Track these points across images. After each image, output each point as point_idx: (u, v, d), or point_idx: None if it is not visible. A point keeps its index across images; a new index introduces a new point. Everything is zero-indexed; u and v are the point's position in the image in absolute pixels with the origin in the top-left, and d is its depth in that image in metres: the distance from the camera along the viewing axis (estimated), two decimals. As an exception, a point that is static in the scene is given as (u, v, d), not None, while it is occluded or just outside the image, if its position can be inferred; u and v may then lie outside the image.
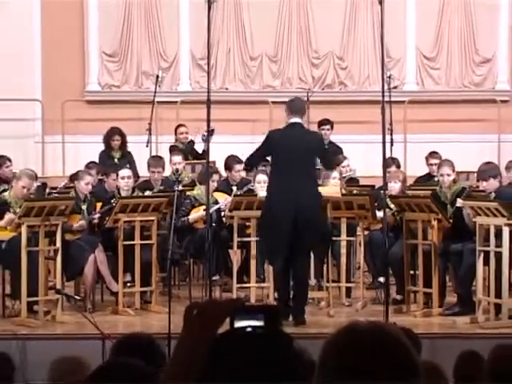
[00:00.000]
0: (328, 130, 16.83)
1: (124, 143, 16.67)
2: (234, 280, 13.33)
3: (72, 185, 14.61)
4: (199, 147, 16.27)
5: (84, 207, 13.30)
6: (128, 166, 15.21)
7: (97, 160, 16.10)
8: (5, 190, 13.26)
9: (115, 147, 16.66)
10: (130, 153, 16.61)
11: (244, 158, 13.64)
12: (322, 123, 16.89)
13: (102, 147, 16.61)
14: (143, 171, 14.79)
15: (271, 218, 12.00)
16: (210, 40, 12.48)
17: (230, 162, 15.12)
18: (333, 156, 12.82)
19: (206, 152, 14.02)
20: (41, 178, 15.46)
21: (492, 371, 6.27)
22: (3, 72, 18.39)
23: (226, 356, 2.64)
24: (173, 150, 16.13)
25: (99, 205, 13.48)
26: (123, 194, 13.67)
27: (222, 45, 19.17)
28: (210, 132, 13.06)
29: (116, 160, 16.22)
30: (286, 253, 11.87)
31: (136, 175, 14.61)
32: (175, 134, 17.00)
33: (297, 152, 11.89)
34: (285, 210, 11.78)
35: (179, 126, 17.01)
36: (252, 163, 12.58)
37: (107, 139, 16.68)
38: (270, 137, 12.35)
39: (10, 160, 15.25)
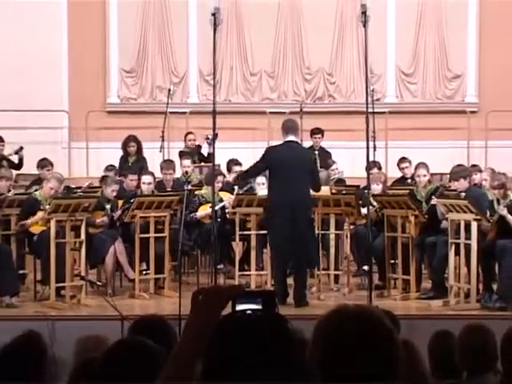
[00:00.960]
0: (319, 137, 16.80)
1: (139, 149, 16.58)
2: (236, 268, 13.32)
3: (95, 185, 14.62)
4: (204, 151, 16.25)
5: (108, 206, 13.30)
6: (140, 168, 15.38)
7: (116, 163, 16.09)
8: (36, 190, 13.25)
9: (131, 153, 16.55)
10: (144, 158, 16.55)
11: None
12: (313, 131, 16.87)
13: (120, 152, 16.58)
14: (157, 173, 14.75)
15: (274, 223, 12.11)
16: (215, 58, 12.49)
17: (230, 164, 15.17)
18: (319, 179, 12.82)
19: (211, 155, 14.10)
20: (67, 179, 15.42)
21: (462, 347, 6.29)
22: (36, 87, 18.35)
23: (228, 335, 2.65)
24: (182, 154, 16.11)
25: (120, 202, 13.47)
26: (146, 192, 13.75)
27: (225, 62, 19.16)
28: (215, 136, 13.11)
29: (130, 164, 16.20)
30: (287, 252, 12.01)
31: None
32: (184, 140, 16.99)
33: (294, 165, 11.93)
34: (284, 213, 11.85)
35: (188, 133, 16.98)
36: (246, 178, 12.54)
37: (124, 145, 16.65)
38: (268, 153, 12.39)
39: (52, 164, 15.18)
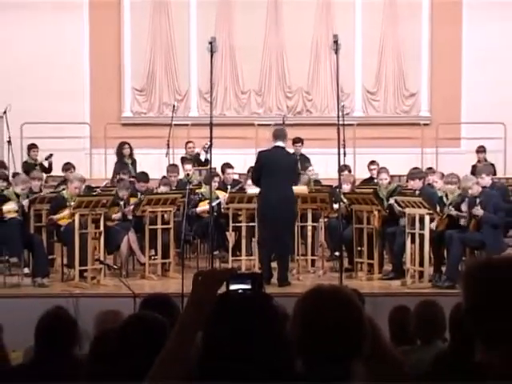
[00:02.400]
0: (299, 145, 16.77)
1: (132, 152, 16.73)
2: (229, 254, 13.32)
3: (111, 185, 14.61)
4: (202, 158, 16.23)
5: (122, 203, 13.30)
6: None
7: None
8: (63, 189, 13.24)
9: (126, 154, 16.67)
10: (135, 159, 16.65)
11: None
12: (294, 141, 16.82)
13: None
14: (164, 173, 14.82)
15: (265, 216, 12.07)
16: (212, 79, 12.45)
17: (224, 167, 15.14)
18: (298, 178, 12.88)
19: (207, 161, 14.13)
20: (88, 180, 15.41)
21: (416, 319, 6.32)
22: (62, 103, 18.30)
23: (223, 310, 2.66)
24: (184, 160, 16.13)
25: (132, 199, 13.45)
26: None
27: (220, 83, 19.12)
28: (210, 145, 13.10)
29: (130, 166, 16.24)
30: (273, 240, 11.96)
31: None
32: (185, 148, 16.99)
33: (280, 167, 11.92)
34: (272, 204, 11.81)
35: (188, 142, 16.99)
36: (257, 181, 12.48)
37: (120, 149, 16.75)
38: (261, 156, 12.33)
39: (74, 167, 15.21)
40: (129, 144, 16.80)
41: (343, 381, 2.87)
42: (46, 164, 16.31)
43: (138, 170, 15.80)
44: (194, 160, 16.28)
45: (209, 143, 13.13)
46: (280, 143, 12.19)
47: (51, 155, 16.35)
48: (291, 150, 16.36)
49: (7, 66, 18.53)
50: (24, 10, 18.46)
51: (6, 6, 18.41)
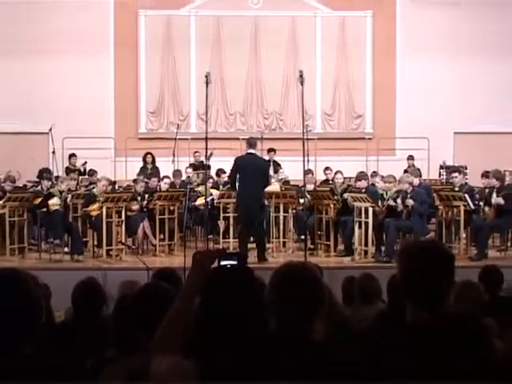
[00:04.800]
0: (273, 154, 16.77)
1: (154, 160, 16.67)
2: (220, 237, 13.33)
3: (131, 184, 14.59)
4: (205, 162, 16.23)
5: (139, 198, 13.28)
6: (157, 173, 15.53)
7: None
8: (93, 188, 13.22)
9: (148, 161, 16.61)
10: (157, 167, 16.59)
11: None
12: (269, 150, 16.85)
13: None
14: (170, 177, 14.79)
15: (241, 209, 12.02)
16: (207, 104, 12.43)
17: (218, 172, 15.09)
18: (268, 179, 12.80)
19: (209, 166, 14.17)
20: (114, 181, 15.47)
21: (359, 286, 6.35)
22: (93, 122, 18.31)
23: (216, 280, 2.65)
24: (191, 165, 16.22)
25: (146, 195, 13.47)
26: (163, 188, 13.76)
27: (214, 106, 19.08)
28: (210, 155, 13.16)
29: (150, 170, 16.20)
30: (248, 228, 11.91)
31: (159, 179, 14.57)
32: (193, 155, 16.94)
33: (253, 170, 11.81)
34: (247, 203, 11.75)
35: (195, 152, 16.89)
36: (233, 183, 12.37)
37: (144, 157, 16.74)
38: (236, 161, 12.20)
39: (96, 172, 15.24)
40: (152, 154, 16.74)
41: (307, 334, 2.87)
42: (82, 169, 16.38)
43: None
44: (198, 165, 16.30)
45: (210, 152, 13.31)
46: (252, 150, 12.11)
47: (86, 162, 16.47)
48: (266, 157, 16.49)
49: (52, 95, 18.48)
50: (65, 51, 18.45)
51: (51, 51, 18.41)
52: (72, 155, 16.75)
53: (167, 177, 14.36)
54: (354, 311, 5.93)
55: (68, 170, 15.99)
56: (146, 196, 13.39)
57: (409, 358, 2.57)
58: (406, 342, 2.64)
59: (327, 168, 15.71)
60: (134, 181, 14.20)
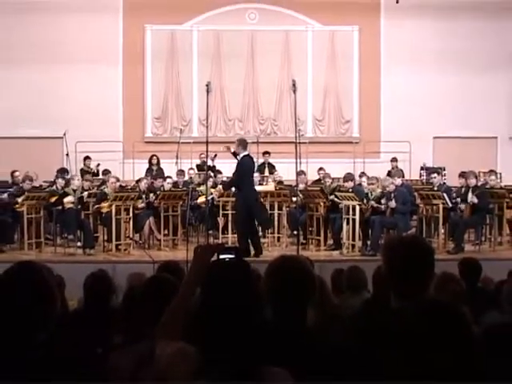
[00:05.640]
0: (268, 156, 16.82)
1: (158, 162, 16.65)
2: (219, 233, 13.33)
3: (137, 184, 14.58)
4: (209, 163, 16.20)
5: (143, 196, 13.27)
6: (161, 174, 15.49)
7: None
8: (105, 187, 13.21)
9: (154, 163, 16.59)
10: (161, 168, 16.58)
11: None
12: (264, 153, 16.90)
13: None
14: (174, 177, 14.77)
15: (242, 206, 11.84)
16: (208, 110, 12.50)
17: (215, 173, 15.07)
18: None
19: (209, 167, 14.13)
20: (122, 181, 15.43)
21: (347, 278, 6.34)
22: (104, 127, 18.29)
23: (215, 272, 2.64)
24: (197, 166, 16.19)
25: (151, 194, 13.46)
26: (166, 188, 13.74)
27: (214, 113, 19.07)
28: (214, 156, 13.47)
29: (155, 171, 16.18)
30: (247, 224, 11.74)
31: (163, 179, 14.55)
32: (199, 157, 16.81)
33: (251, 171, 11.90)
34: (248, 201, 11.66)
35: (201, 154, 16.61)
36: (236, 183, 12.11)
37: (150, 159, 16.72)
38: (243, 163, 11.85)
39: (110, 172, 15.22)
40: (156, 156, 16.71)
41: (299, 321, 2.86)
42: (95, 170, 16.40)
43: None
44: (203, 166, 16.28)
45: (214, 154, 13.37)
46: (246, 152, 11.93)
47: (99, 164, 16.48)
48: (261, 160, 16.52)
49: (66, 102, 18.46)
50: (78, 63, 18.43)
51: (65, 62, 18.41)
52: (86, 157, 16.75)
53: (170, 177, 14.36)
54: (342, 300, 5.92)
55: (83, 172, 15.99)
56: (151, 194, 13.38)
57: (392, 342, 2.57)
58: (390, 328, 2.63)
59: (321, 168, 15.78)
60: (138, 180, 14.22)
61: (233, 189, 12.53)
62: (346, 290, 6.30)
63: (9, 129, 18.19)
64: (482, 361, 2.57)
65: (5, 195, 13.02)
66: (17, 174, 14.33)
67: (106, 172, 15.31)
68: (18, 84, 18.40)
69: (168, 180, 14.08)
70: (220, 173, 14.95)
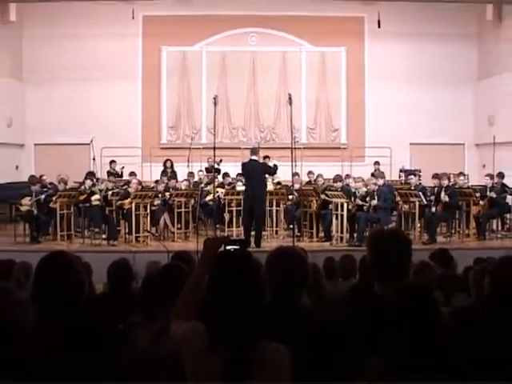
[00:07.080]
0: (267, 160, 16.70)
1: (172, 165, 16.61)
2: (226, 227, 13.27)
3: (154, 185, 14.54)
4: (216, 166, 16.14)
5: (160, 195, 13.26)
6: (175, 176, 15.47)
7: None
8: (128, 187, 13.19)
9: (168, 166, 16.54)
10: (174, 170, 16.54)
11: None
12: (265, 157, 16.62)
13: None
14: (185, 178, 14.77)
15: (245, 203, 11.93)
16: (215, 120, 12.48)
17: (224, 175, 15.00)
18: (272, 170, 12.90)
19: (215, 170, 14.05)
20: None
21: (340, 266, 6.32)
22: (126, 134, 18.31)
23: (222, 261, 2.63)
24: (206, 169, 16.13)
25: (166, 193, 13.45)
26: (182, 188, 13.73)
27: (220, 122, 19.01)
28: (220, 161, 13.16)
29: (169, 173, 16.14)
30: (250, 219, 11.78)
31: (176, 180, 14.54)
32: (207, 161, 16.75)
33: (255, 172, 11.83)
34: (250, 199, 11.72)
35: (209, 158, 16.55)
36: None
37: (164, 163, 16.68)
38: (243, 165, 12.22)
39: (135, 174, 15.20)
40: (170, 160, 16.67)
41: (295, 303, 2.85)
42: (119, 172, 16.39)
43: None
44: (211, 169, 16.27)
45: (220, 159, 13.35)
46: (254, 157, 12.07)
47: (123, 167, 16.47)
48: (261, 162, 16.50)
49: (94, 114, 18.47)
50: (103, 79, 18.47)
51: (92, 79, 18.41)
52: (112, 161, 16.67)
53: (186, 180, 14.39)
54: (334, 285, 5.91)
55: (109, 174, 15.94)
56: (167, 193, 13.37)
57: (375, 320, 2.57)
58: (374, 309, 2.63)
59: (310, 172, 15.72)
60: (156, 181, 14.19)
61: (242, 188, 12.57)
62: (338, 276, 6.28)
63: (50, 137, 18.38)
64: (447, 336, 2.61)
65: (42, 196, 13.03)
66: (44, 177, 14.35)
67: (132, 174, 15.32)
68: (58, 100, 18.49)
69: (185, 182, 14.13)
70: (228, 176, 14.93)
